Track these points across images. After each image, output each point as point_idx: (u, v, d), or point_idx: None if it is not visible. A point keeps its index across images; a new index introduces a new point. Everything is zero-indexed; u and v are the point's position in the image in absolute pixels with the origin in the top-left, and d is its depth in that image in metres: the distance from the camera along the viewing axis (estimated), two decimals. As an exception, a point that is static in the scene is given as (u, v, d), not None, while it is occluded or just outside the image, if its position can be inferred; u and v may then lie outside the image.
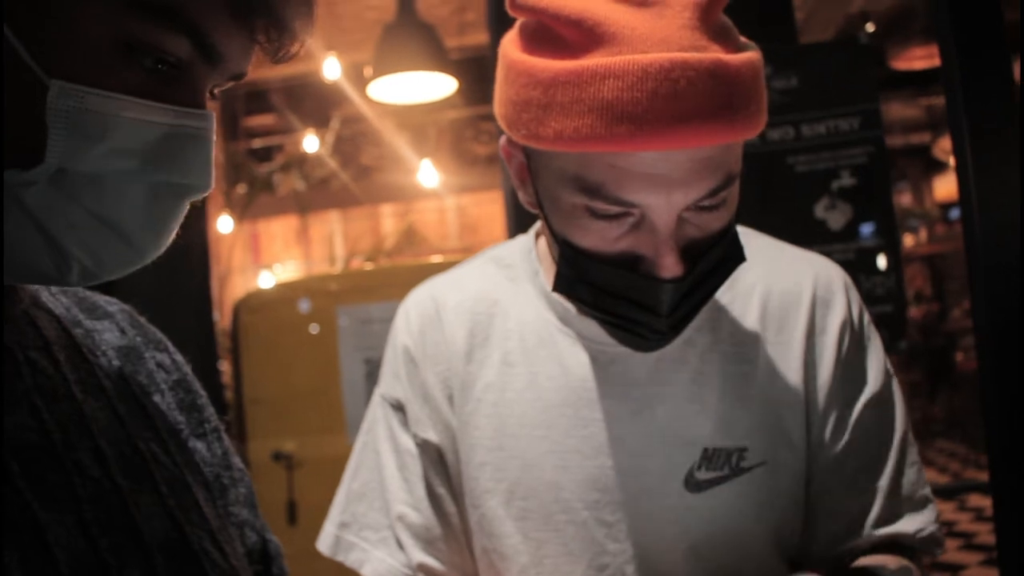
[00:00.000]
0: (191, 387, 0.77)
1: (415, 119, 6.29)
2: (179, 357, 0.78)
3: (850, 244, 2.42)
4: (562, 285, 0.90)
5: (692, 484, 0.93)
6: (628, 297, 0.85)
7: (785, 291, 1.00)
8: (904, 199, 11.54)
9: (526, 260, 1.05)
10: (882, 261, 2.41)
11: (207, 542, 0.64)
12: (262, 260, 6.35)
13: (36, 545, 0.53)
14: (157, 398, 0.72)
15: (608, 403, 0.96)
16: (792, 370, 0.97)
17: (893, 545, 0.96)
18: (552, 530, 0.95)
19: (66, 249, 0.56)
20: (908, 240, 10.78)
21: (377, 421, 1.06)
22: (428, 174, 5.75)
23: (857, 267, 2.41)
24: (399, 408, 1.04)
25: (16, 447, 0.56)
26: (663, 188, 0.80)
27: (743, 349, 0.97)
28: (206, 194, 0.61)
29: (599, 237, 0.84)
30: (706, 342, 0.97)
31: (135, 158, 0.56)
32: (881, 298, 2.43)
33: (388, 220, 6.54)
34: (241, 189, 5.97)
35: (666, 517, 0.93)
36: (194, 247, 2.29)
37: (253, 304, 2.91)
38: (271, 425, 2.82)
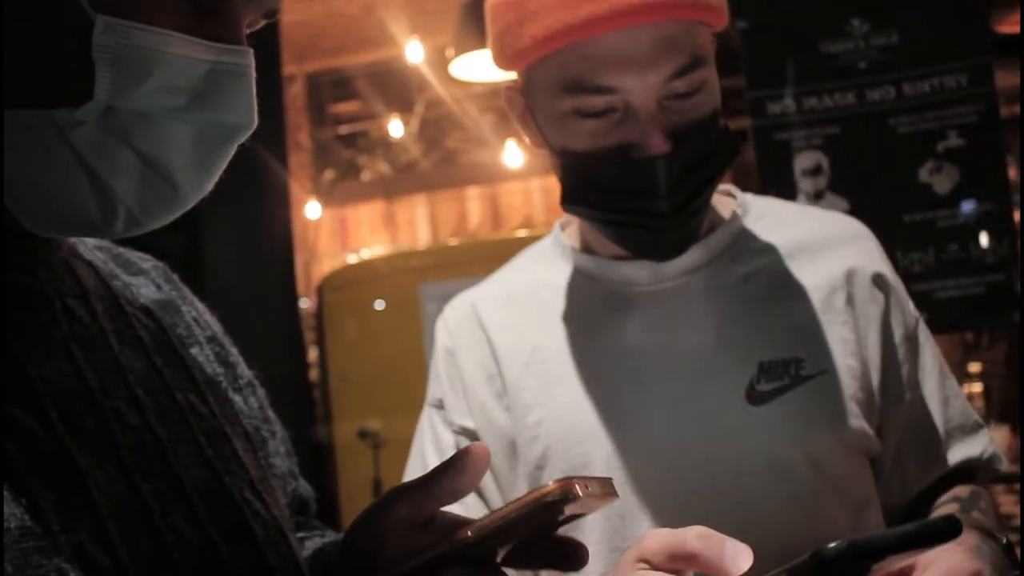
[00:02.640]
0: (223, 344, 0.78)
1: (499, 100, 6.27)
2: (209, 316, 0.79)
3: (958, 209, 2.28)
4: (569, 197, 0.96)
5: (755, 397, 0.95)
6: (628, 188, 0.92)
7: (812, 232, 1.05)
8: (1010, 173, 11.05)
9: (555, 244, 1.10)
10: (993, 226, 2.26)
11: (247, 492, 0.64)
12: (350, 245, 6.41)
13: (75, 489, 0.52)
14: (195, 350, 0.72)
15: (653, 337, 0.98)
16: (834, 288, 1.00)
17: (957, 475, 1.02)
18: (615, 472, 0.95)
19: (113, 192, 0.56)
20: (1014, 216, 10.32)
21: (423, 430, 1.09)
22: (513, 155, 5.71)
23: (966, 234, 2.26)
24: (440, 406, 1.08)
25: (54, 393, 0.55)
26: (634, 67, 0.88)
27: (779, 277, 1.01)
28: (249, 133, 0.60)
29: (591, 136, 0.91)
30: (741, 271, 1.01)
31: (181, 95, 0.56)
32: (992, 267, 2.28)
33: (473, 202, 6.53)
34: (329, 175, 6.03)
35: (734, 436, 0.94)
36: (279, 232, 2.29)
37: (337, 282, 2.92)
38: (357, 403, 2.82)
